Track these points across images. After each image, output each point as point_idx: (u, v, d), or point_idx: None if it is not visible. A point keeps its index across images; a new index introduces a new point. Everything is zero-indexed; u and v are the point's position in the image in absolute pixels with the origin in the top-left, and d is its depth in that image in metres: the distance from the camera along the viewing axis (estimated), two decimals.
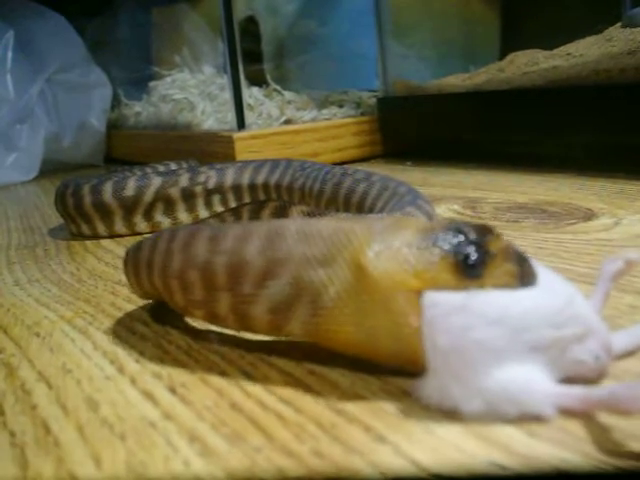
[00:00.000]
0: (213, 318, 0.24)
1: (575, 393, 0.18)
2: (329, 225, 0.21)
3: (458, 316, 0.18)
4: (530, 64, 0.62)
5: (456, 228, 0.19)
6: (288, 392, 0.21)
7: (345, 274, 0.20)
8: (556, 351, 0.18)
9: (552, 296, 0.19)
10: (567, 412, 0.18)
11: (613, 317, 0.24)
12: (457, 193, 0.51)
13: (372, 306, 0.19)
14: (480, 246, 0.19)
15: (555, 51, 0.61)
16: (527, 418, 0.18)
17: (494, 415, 0.18)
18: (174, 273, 0.24)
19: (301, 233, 0.21)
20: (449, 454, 0.17)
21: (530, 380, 0.18)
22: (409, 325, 0.19)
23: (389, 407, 0.19)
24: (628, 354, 0.21)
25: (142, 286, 0.27)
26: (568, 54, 0.59)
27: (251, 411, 0.20)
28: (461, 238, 0.19)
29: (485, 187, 0.53)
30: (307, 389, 0.21)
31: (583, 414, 0.18)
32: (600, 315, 0.21)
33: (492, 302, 0.18)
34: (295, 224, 0.22)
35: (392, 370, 0.21)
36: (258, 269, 0.21)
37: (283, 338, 0.24)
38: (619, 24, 0.58)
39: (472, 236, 0.19)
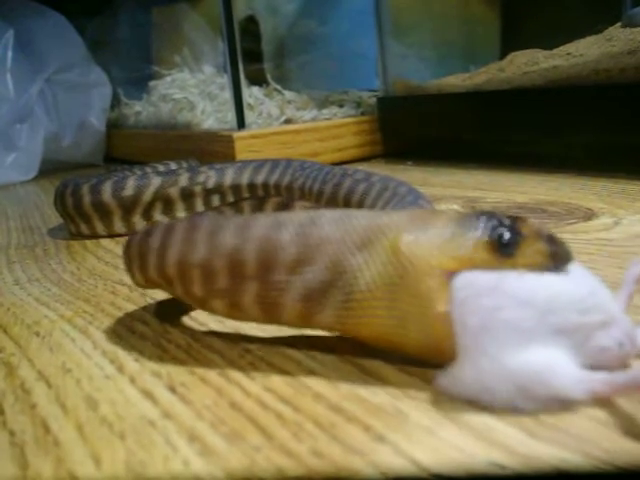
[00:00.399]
0: (234, 309, 0.23)
1: (602, 377, 0.18)
2: (365, 214, 0.22)
3: (488, 297, 0.19)
4: (530, 64, 0.62)
5: (488, 214, 0.20)
6: (288, 392, 0.21)
7: (381, 259, 0.21)
8: (580, 337, 0.19)
9: (578, 283, 0.19)
10: (596, 397, 0.18)
11: None
12: (457, 193, 0.51)
13: (404, 291, 0.20)
14: (512, 228, 0.19)
15: (555, 51, 0.61)
16: (556, 402, 0.18)
17: (523, 398, 0.18)
18: (197, 262, 0.23)
19: (338, 220, 0.22)
20: (449, 454, 0.17)
21: (559, 364, 0.18)
22: (438, 310, 0.19)
23: (389, 407, 0.19)
24: None
25: (146, 273, 0.26)
26: (568, 54, 0.59)
27: (251, 410, 0.20)
28: (494, 222, 0.20)
29: (485, 187, 0.53)
30: (307, 389, 0.21)
31: (608, 399, 0.18)
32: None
33: (521, 284, 0.19)
34: (330, 212, 0.22)
35: (393, 370, 0.21)
36: (293, 255, 0.22)
37: (308, 331, 0.24)
38: (619, 24, 0.58)
39: (504, 220, 0.20)
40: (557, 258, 0.20)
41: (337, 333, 0.23)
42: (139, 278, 0.27)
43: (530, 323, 0.18)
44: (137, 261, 0.26)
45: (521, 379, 0.18)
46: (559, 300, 0.19)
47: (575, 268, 0.20)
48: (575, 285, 0.19)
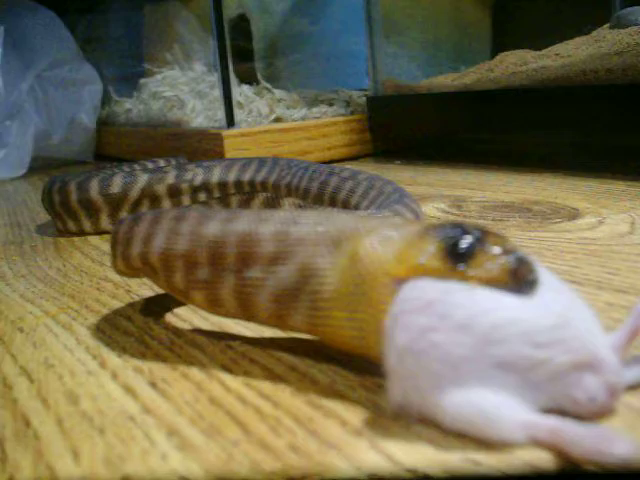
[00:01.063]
0: (214, 303, 0.23)
1: (548, 427, 0.16)
2: (343, 217, 0.21)
3: (422, 315, 0.17)
4: (519, 64, 0.62)
5: (458, 224, 0.18)
6: (268, 387, 0.21)
7: (344, 265, 0.20)
8: (538, 376, 0.17)
9: (541, 311, 0.17)
10: (540, 444, 0.16)
11: None
12: (444, 192, 0.51)
13: (362, 298, 0.19)
14: (475, 236, 0.18)
15: (544, 51, 0.61)
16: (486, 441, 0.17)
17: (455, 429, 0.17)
18: (180, 252, 0.23)
19: (317, 222, 0.21)
20: (424, 449, 0.17)
21: (493, 409, 0.16)
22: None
23: (367, 402, 0.19)
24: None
25: (129, 260, 0.26)
26: (557, 54, 0.59)
27: (230, 405, 0.20)
28: (457, 231, 0.18)
29: (473, 186, 0.53)
30: (287, 385, 0.21)
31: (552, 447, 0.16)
32: (619, 352, 0.18)
33: (463, 304, 0.17)
34: (314, 213, 0.22)
35: (371, 367, 0.21)
36: (270, 252, 0.21)
37: (286, 333, 0.24)
38: (607, 25, 0.58)
39: (471, 229, 0.18)
40: (518, 278, 0.17)
41: (310, 336, 0.23)
42: (121, 265, 0.27)
43: (463, 351, 0.16)
44: (121, 247, 0.26)
45: (452, 422, 0.17)
46: (506, 328, 0.16)
47: (554, 294, 0.18)
48: (535, 313, 0.17)
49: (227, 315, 0.24)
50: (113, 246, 0.27)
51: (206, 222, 0.23)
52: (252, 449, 0.17)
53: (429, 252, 0.18)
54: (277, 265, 0.21)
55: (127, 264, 0.26)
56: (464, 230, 0.18)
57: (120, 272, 0.28)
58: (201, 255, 0.23)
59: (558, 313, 0.17)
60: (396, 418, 0.18)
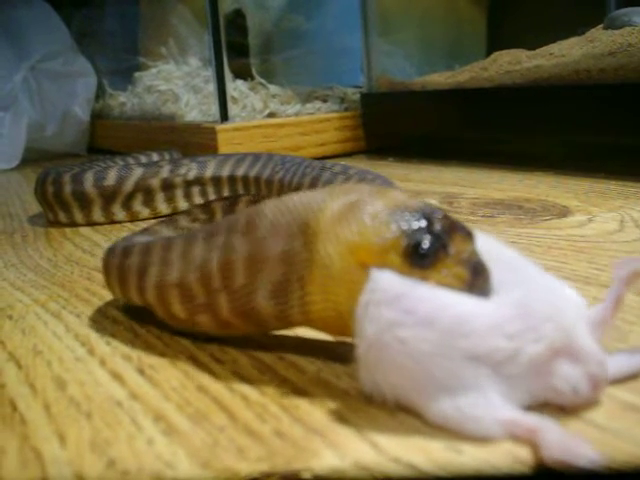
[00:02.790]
0: (220, 323, 0.22)
1: (525, 423, 0.16)
2: (307, 193, 0.21)
3: (389, 308, 0.17)
4: (513, 63, 0.62)
5: (426, 213, 0.18)
6: (255, 375, 0.21)
7: (315, 242, 0.19)
8: (515, 369, 0.17)
9: (504, 302, 0.17)
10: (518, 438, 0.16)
11: None
12: (436, 188, 0.52)
13: (332, 277, 0.19)
14: (439, 239, 0.18)
15: (538, 51, 0.61)
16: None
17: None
18: (174, 281, 0.23)
19: (278, 208, 0.20)
20: (409, 437, 0.17)
21: (468, 407, 0.16)
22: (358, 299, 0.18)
23: (353, 391, 0.20)
24: (626, 379, 0.19)
25: (129, 295, 0.26)
26: (551, 54, 0.59)
27: (217, 392, 0.20)
28: (423, 224, 0.18)
29: (464, 183, 0.53)
30: (274, 373, 0.21)
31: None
32: (606, 327, 0.19)
33: (428, 299, 0.17)
34: (270, 202, 0.21)
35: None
36: (245, 254, 0.21)
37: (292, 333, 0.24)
38: (601, 25, 0.59)
39: (437, 227, 0.18)
40: (475, 289, 0.18)
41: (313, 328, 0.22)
42: (121, 296, 0.27)
43: (428, 346, 0.16)
44: (117, 284, 0.26)
45: (433, 419, 0.17)
46: (471, 321, 0.17)
47: (517, 285, 0.18)
48: (499, 304, 0.17)
49: (239, 332, 0.23)
50: (110, 284, 0.27)
51: (191, 248, 0.23)
52: (237, 435, 0.18)
53: (392, 245, 0.18)
54: (259, 263, 0.20)
55: (127, 299, 0.26)
56: (429, 225, 0.18)
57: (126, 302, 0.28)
58: (193, 280, 0.22)
59: (521, 303, 0.17)
60: (369, 402, 0.18)
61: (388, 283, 0.17)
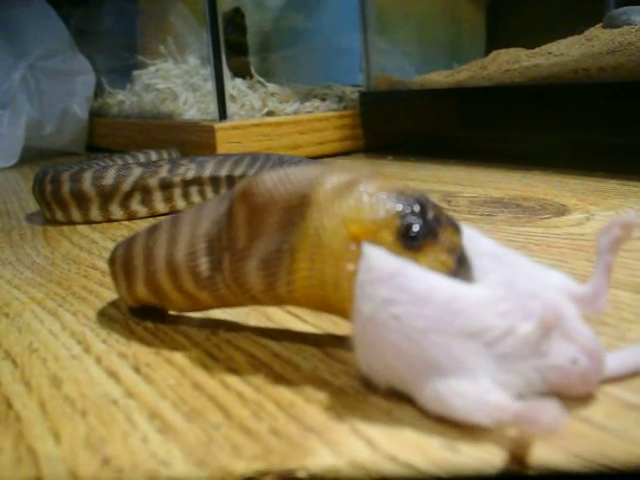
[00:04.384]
0: (218, 297, 0.23)
1: (511, 408, 0.16)
2: (309, 167, 0.21)
3: (385, 286, 0.17)
4: (512, 62, 0.62)
5: (420, 200, 0.19)
6: (250, 373, 0.21)
7: (308, 212, 0.20)
8: (508, 350, 0.17)
9: (489, 284, 0.18)
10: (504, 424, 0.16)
11: None
12: (435, 187, 0.51)
13: (320, 247, 0.19)
14: (430, 226, 0.19)
15: (537, 50, 0.61)
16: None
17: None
18: (184, 251, 0.23)
19: (278, 178, 0.21)
20: (405, 435, 0.17)
21: (459, 389, 0.16)
22: (346, 271, 0.18)
23: (349, 389, 0.19)
24: (625, 377, 0.19)
25: (134, 288, 0.26)
26: (549, 53, 0.59)
27: (213, 390, 0.20)
28: (417, 209, 0.19)
29: (463, 182, 0.53)
30: (270, 371, 0.21)
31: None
32: (601, 299, 0.19)
33: (422, 277, 0.17)
34: (270, 172, 0.21)
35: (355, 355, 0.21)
36: (244, 216, 0.21)
37: (275, 316, 0.24)
38: (600, 24, 0.58)
39: (429, 215, 0.19)
40: (457, 278, 0.18)
41: (295, 304, 0.22)
42: (128, 294, 0.27)
43: (423, 322, 0.17)
44: (124, 277, 0.26)
45: (424, 404, 0.17)
46: (463, 299, 0.17)
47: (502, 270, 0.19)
48: (487, 286, 0.18)
49: (230, 304, 0.24)
50: (117, 279, 0.27)
51: (199, 221, 0.23)
52: (233, 433, 0.18)
53: (385, 223, 0.18)
54: (257, 227, 0.21)
55: (134, 293, 0.26)
56: (422, 210, 0.19)
57: (133, 301, 0.27)
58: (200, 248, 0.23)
59: (506, 283, 0.18)
60: (366, 398, 0.18)
61: (383, 261, 0.18)
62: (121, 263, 0.26)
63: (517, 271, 0.19)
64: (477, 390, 0.16)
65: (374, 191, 0.19)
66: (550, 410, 0.15)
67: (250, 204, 0.21)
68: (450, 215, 0.20)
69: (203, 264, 0.23)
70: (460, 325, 0.17)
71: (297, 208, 0.20)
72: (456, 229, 0.19)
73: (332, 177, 0.20)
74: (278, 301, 0.22)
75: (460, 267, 0.19)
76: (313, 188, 0.20)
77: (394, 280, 0.17)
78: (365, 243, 0.18)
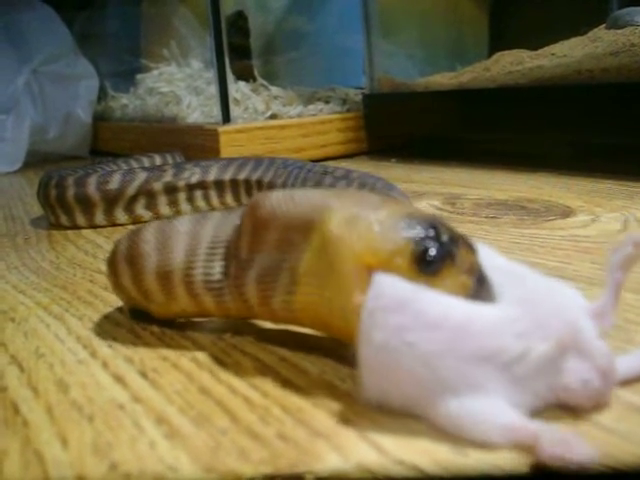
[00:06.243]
0: (221, 302, 0.23)
1: (527, 430, 0.16)
2: (316, 192, 0.21)
3: (397, 314, 0.17)
4: (515, 63, 0.62)
5: (432, 223, 0.19)
6: (257, 377, 0.21)
7: (318, 241, 0.20)
8: (523, 371, 0.16)
9: (507, 302, 0.17)
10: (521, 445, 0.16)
11: None
12: (439, 189, 0.51)
13: (331, 275, 0.19)
14: (446, 248, 0.18)
15: (540, 51, 0.61)
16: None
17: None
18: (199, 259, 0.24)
19: (285, 197, 0.21)
20: (413, 440, 0.17)
21: (473, 411, 0.16)
22: (354, 300, 0.18)
23: (356, 394, 0.19)
24: (633, 380, 0.19)
25: (142, 277, 0.25)
26: (552, 54, 0.59)
27: (220, 395, 0.20)
28: (431, 233, 0.18)
29: (467, 184, 0.53)
30: (276, 375, 0.21)
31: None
32: (610, 316, 0.19)
33: (435, 302, 0.17)
34: (280, 191, 0.22)
35: None
36: (249, 227, 0.22)
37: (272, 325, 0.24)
38: (604, 25, 0.58)
39: (444, 237, 0.18)
40: (478, 299, 0.18)
41: (292, 323, 0.23)
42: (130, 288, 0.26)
43: (437, 347, 0.16)
44: (127, 276, 0.26)
45: (437, 423, 0.17)
46: (479, 321, 0.17)
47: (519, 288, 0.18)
48: (504, 305, 0.17)
49: (234, 313, 0.24)
50: (115, 280, 0.27)
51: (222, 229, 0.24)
52: (240, 437, 0.17)
53: (399, 250, 0.18)
54: (258, 242, 0.21)
55: (137, 284, 0.26)
56: (437, 234, 0.18)
57: (129, 300, 0.27)
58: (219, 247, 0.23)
59: (525, 300, 0.17)
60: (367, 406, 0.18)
61: (393, 288, 0.17)
62: (126, 256, 0.26)
63: (534, 287, 0.18)
64: (491, 411, 0.16)
65: (384, 218, 0.19)
66: (581, 448, 0.15)
67: (255, 217, 0.21)
68: (464, 234, 0.19)
69: (217, 267, 0.23)
70: (474, 348, 0.16)
71: (299, 230, 0.20)
72: (472, 248, 0.19)
73: (340, 204, 0.20)
74: (274, 317, 0.22)
75: (481, 287, 0.18)
76: (320, 214, 0.20)
77: (406, 307, 0.17)
78: (377, 273, 0.18)
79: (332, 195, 0.20)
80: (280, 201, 0.21)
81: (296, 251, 0.20)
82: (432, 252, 0.18)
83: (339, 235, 0.19)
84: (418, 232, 0.18)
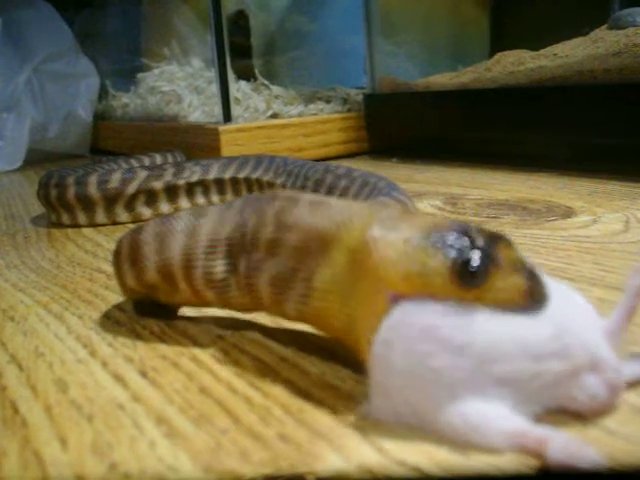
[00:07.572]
0: (226, 298, 0.23)
1: (535, 435, 0.16)
2: (340, 203, 0.20)
3: (420, 341, 0.16)
4: (516, 64, 0.62)
5: (462, 230, 0.17)
6: (258, 377, 0.21)
7: (341, 252, 0.19)
8: (536, 386, 0.16)
9: (539, 323, 0.16)
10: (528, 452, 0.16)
11: None
12: (440, 189, 0.51)
13: (354, 296, 0.18)
14: (487, 253, 0.16)
15: (541, 51, 0.61)
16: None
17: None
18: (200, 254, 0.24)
19: (314, 204, 0.20)
20: (415, 441, 0.17)
21: (480, 417, 0.16)
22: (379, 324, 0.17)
23: (359, 395, 0.19)
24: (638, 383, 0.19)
25: (143, 275, 0.25)
26: (554, 54, 0.59)
27: (220, 395, 0.20)
28: (466, 242, 0.16)
29: (468, 184, 0.53)
30: (277, 375, 0.21)
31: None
32: (618, 338, 0.18)
33: (460, 327, 0.16)
34: (310, 196, 0.21)
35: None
36: (271, 233, 0.21)
37: (283, 322, 0.24)
38: (605, 26, 0.58)
39: (479, 241, 0.16)
40: (534, 296, 0.16)
41: (301, 327, 0.23)
42: (132, 282, 0.26)
43: (462, 374, 0.16)
44: (131, 264, 0.26)
45: (444, 431, 0.16)
46: (505, 345, 0.16)
47: (554, 300, 0.17)
48: (534, 325, 0.16)
49: (238, 306, 0.24)
50: (120, 268, 0.27)
51: (224, 219, 0.24)
52: (241, 438, 0.17)
53: (433, 270, 0.16)
54: (276, 247, 0.21)
55: (140, 280, 0.26)
56: (471, 240, 0.17)
57: (131, 293, 0.27)
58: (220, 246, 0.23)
59: (556, 322, 0.17)
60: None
61: (417, 315, 0.16)
62: (130, 247, 0.26)
63: (560, 297, 0.18)
64: (495, 417, 0.16)
65: (409, 236, 0.17)
66: (587, 453, 0.15)
67: (277, 220, 0.21)
68: (494, 231, 0.17)
69: (219, 266, 0.23)
70: (496, 372, 0.16)
71: (317, 243, 0.19)
72: (510, 244, 0.17)
73: (361, 222, 0.18)
74: (285, 316, 0.22)
75: (533, 281, 0.17)
76: (341, 231, 0.19)
77: (432, 332, 0.16)
78: (395, 300, 0.17)
79: (353, 209, 0.19)
80: (302, 208, 0.20)
81: (312, 264, 0.19)
82: (474, 262, 0.16)
83: (361, 255, 0.18)
84: (452, 244, 0.16)
